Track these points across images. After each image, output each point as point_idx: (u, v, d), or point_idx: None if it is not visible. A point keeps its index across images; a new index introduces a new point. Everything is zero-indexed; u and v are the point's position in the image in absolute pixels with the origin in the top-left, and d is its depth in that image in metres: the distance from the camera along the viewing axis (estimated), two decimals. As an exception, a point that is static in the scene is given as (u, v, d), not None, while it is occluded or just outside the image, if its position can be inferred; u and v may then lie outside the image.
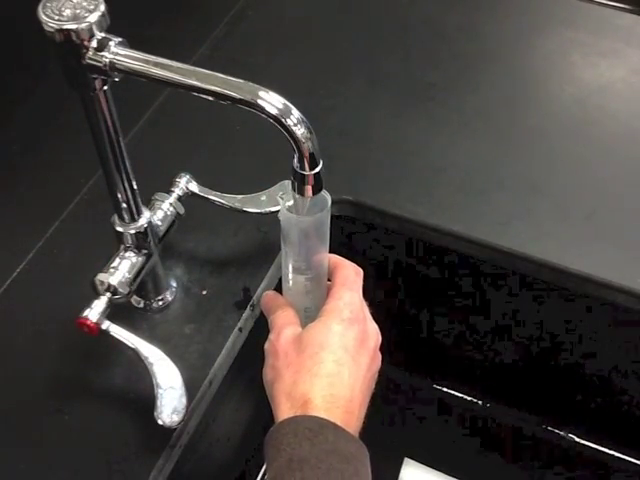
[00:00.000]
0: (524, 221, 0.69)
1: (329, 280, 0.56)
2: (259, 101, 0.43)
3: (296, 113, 0.43)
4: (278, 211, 0.65)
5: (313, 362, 0.49)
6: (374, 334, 0.54)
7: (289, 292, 0.56)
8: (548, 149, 0.75)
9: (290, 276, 0.55)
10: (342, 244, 0.76)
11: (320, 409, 0.47)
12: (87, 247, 0.67)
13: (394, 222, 0.71)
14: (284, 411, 0.48)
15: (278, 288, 0.67)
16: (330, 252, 0.54)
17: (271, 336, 0.53)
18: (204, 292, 0.65)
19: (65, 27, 0.43)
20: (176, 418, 0.54)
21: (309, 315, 0.55)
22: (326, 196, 0.49)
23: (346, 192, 0.72)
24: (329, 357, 0.49)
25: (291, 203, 0.49)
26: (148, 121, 0.78)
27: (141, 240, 0.58)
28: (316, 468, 0.44)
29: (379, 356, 0.54)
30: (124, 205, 0.56)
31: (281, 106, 0.43)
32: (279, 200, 0.65)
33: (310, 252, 0.52)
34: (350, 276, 0.55)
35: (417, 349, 0.88)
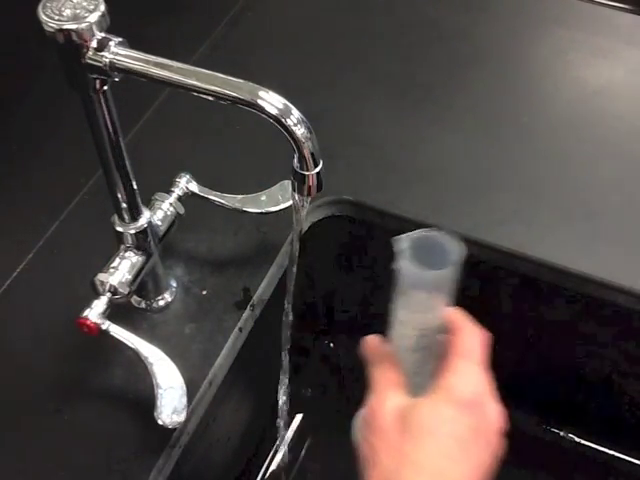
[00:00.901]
0: (524, 221, 0.69)
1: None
2: (259, 101, 0.43)
3: (296, 113, 0.43)
4: (278, 211, 0.66)
5: (416, 450, 0.42)
6: (494, 420, 0.45)
7: (395, 343, 0.49)
8: (548, 149, 0.75)
9: (399, 327, 0.48)
10: (342, 244, 0.77)
11: None
12: (87, 247, 0.67)
13: (394, 222, 0.71)
14: None
15: (278, 288, 0.67)
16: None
17: (372, 400, 0.46)
18: (204, 292, 0.65)
19: (65, 27, 0.43)
20: (176, 418, 0.54)
21: (416, 379, 0.47)
22: (456, 247, 0.43)
23: (346, 192, 0.72)
24: (435, 448, 0.42)
25: (407, 252, 0.43)
26: (148, 121, 0.78)
27: (141, 240, 0.58)
28: None
29: (501, 443, 0.46)
30: (124, 205, 0.56)
31: (281, 106, 0.43)
32: (279, 200, 0.65)
33: (434, 308, 0.46)
34: (474, 344, 0.46)
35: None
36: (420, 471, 0.41)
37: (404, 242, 0.43)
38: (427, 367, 0.48)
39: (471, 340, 0.46)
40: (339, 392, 0.89)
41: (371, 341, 0.49)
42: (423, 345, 0.47)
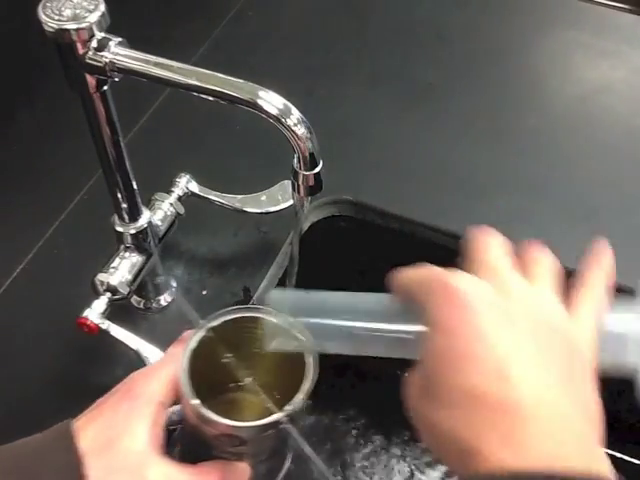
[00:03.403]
0: (524, 221, 0.69)
1: None
2: (259, 101, 0.43)
3: (296, 113, 0.43)
4: (278, 211, 0.66)
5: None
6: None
7: None
8: (549, 149, 0.75)
9: None
10: (342, 244, 0.76)
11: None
12: (87, 247, 0.67)
13: (394, 222, 0.71)
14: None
15: (278, 288, 0.67)
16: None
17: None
18: (204, 292, 0.65)
19: (65, 27, 0.43)
20: (176, 418, 0.54)
21: None
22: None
23: (346, 192, 0.72)
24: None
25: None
26: (148, 121, 0.78)
27: (141, 240, 0.58)
28: None
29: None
30: (124, 205, 0.56)
31: (281, 106, 0.43)
32: (280, 200, 0.65)
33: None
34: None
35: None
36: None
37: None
38: None
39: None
40: (339, 392, 0.89)
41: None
42: None
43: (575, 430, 0.34)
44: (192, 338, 0.44)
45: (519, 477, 0.31)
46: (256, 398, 0.48)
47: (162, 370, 0.43)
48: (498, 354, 0.34)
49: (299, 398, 0.42)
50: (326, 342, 0.45)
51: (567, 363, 0.36)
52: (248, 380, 0.48)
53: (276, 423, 0.41)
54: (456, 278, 0.38)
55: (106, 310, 0.55)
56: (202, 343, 0.44)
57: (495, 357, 0.34)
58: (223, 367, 0.46)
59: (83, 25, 0.43)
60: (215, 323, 0.45)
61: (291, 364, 0.43)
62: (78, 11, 0.43)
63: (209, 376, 0.44)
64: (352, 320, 0.45)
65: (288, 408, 0.41)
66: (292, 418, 0.42)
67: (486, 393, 0.33)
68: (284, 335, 0.44)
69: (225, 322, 0.45)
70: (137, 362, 0.56)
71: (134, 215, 0.57)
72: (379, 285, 0.79)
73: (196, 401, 0.41)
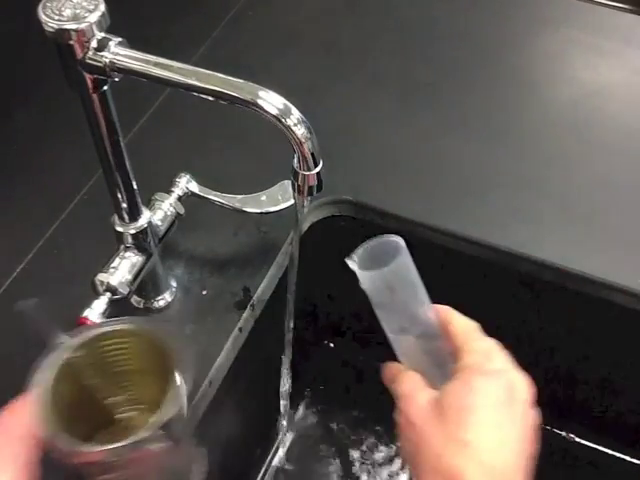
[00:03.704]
0: (524, 221, 0.69)
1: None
2: (259, 101, 0.43)
3: (296, 113, 0.43)
4: (278, 211, 0.66)
5: (458, 428, 0.42)
6: (522, 384, 0.46)
7: (404, 357, 0.50)
8: (548, 149, 0.75)
9: (397, 340, 0.49)
10: (342, 244, 0.76)
11: None
12: (87, 247, 0.67)
13: (394, 222, 0.71)
14: None
15: (278, 288, 0.67)
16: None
17: (400, 405, 0.46)
18: (204, 292, 0.65)
19: (65, 27, 0.43)
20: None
21: (436, 376, 0.48)
22: (397, 240, 0.45)
23: (346, 192, 0.72)
24: (480, 421, 0.42)
25: (355, 261, 0.45)
26: (148, 121, 0.78)
27: (141, 240, 0.58)
28: None
29: (534, 410, 0.46)
30: (124, 205, 0.56)
31: (281, 106, 0.43)
32: (279, 200, 0.65)
33: (407, 307, 0.47)
34: (470, 324, 0.48)
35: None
36: (465, 448, 0.41)
37: (354, 259, 0.46)
38: (440, 364, 0.48)
39: (466, 321, 0.48)
40: (339, 392, 0.89)
41: (386, 366, 0.51)
42: (427, 346, 0.48)
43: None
44: (49, 361, 0.40)
45: None
46: (132, 419, 0.44)
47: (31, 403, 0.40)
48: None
49: (160, 416, 0.38)
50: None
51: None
52: (119, 400, 0.44)
53: (138, 443, 0.37)
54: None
55: (106, 310, 0.55)
56: (63, 366, 0.40)
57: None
58: (90, 389, 0.43)
59: (83, 25, 0.43)
60: (76, 341, 0.41)
61: (161, 380, 0.40)
62: (78, 11, 0.43)
63: (76, 400, 0.41)
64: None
65: (150, 426, 0.37)
66: (169, 435, 0.38)
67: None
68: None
69: (88, 339, 0.41)
70: (137, 362, 0.56)
71: (134, 215, 0.57)
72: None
73: (50, 431, 0.37)
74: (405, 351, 0.49)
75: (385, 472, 0.84)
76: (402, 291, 0.46)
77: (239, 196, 0.66)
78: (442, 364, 0.48)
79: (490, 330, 0.81)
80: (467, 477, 0.41)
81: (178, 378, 0.40)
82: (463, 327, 0.48)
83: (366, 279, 0.45)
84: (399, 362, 0.50)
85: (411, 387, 0.47)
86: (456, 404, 0.43)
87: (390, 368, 0.50)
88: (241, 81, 0.44)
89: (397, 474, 0.84)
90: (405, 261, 0.45)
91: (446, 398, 0.44)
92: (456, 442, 0.42)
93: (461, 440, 0.42)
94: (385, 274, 0.45)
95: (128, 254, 0.58)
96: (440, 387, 0.46)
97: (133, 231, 0.57)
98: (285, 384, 0.71)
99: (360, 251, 0.47)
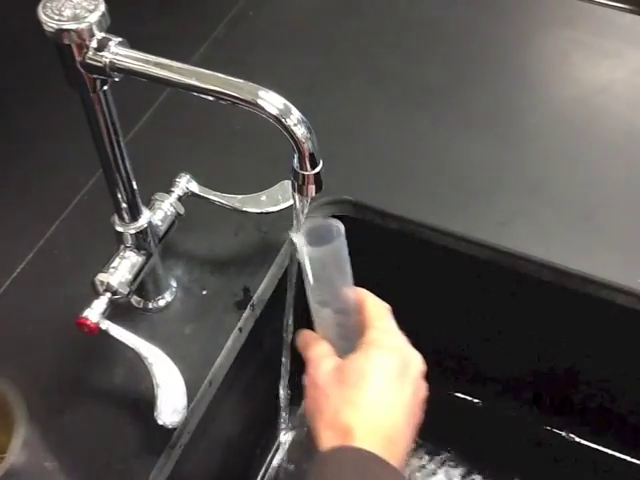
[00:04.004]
0: (524, 221, 0.69)
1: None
2: (259, 101, 0.43)
3: (296, 113, 0.43)
4: (278, 211, 0.66)
5: (354, 392, 0.49)
6: (416, 362, 0.53)
7: (319, 326, 0.56)
8: (548, 149, 0.75)
9: (318, 310, 0.54)
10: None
11: (363, 440, 0.46)
12: (87, 247, 0.67)
13: (394, 222, 0.71)
14: (326, 441, 0.48)
15: (278, 288, 0.67)
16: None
17: (309, 369, 0.53)
18: (204, 292, 0.65)
19: (65, 27, 0.43)
20: (176, 418, 0.54)
21: (343, 347, 0.54)
22: (339, 225, 0.48)
23: (346, 192, 0.72)
24: (371, 386, 0.49)
25: (301, 234, 0.49)
26: (148, 121, 0.78)
27: (141, 240, 0.58)
28: None
29: (423, 385, 0.53)
30: (124, 205, 0.56)
31: (281, 106, 0.43)
32: (279, 200, 0.65)
33: (333, 283, 0.52)
34: (382, 308, 0.54)
35: (416, 348, 0.88)
36: (357, 407, 0.48)
37: (299, 234, 0.50)
38: (349, 337, 0.54)
39: (379, 304, 0.55)
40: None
41: (301, 333, 0.57)
42: (342, 320, 0.54)
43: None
44: None
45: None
46: None
47: None
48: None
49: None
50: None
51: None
52: None
53: None
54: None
55: (106, 310, 0.55)
56: None
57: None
58: None
59: (83, 25, 0.43)
60: None
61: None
62: (78, 11, 0.43)
63: None
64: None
65: None
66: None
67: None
68: None
69: None
70: (137, 362, 0.56)
71: (134, 215, 0.57)
72: (379, 285, 0.80)
73: None
74: (321, 321, 0.55)
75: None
76: (333, 270, 0.51)
77: (239, 196, 0.66)
78: (350, 338, 0.54)
79: (490, 330, 0.81)
80: (357, 432, 0.46)
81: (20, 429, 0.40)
82: (374, 308, 0.54)
83: (305, 253, 0.50)
84: (314, 331, 0.56)
85: (320, 353, 0.53)
86: (355, 371, 0.50)
87: (304, 335, 0.56)
88: (241, 81, 0.44)
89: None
90: (342, 245, 0.50)
91: (348, 366, 0.51)
92: (350, 403, 0.48)
93: (355, 402, 0.48)
94: (323, 252, 0.50)
95: (128, 254, 0.58)
96: (345, 357, 0.52)
97: (133, 231, 0.57)
98: (285, 384, 0.71)
99: (306, 227, 0.51)
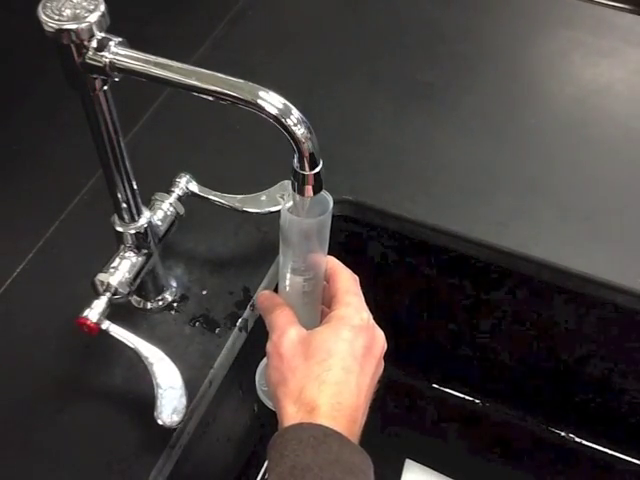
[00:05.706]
0: (524, 221, 0.69)
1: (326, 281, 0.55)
2: (259, 101, 0.43)
3: (296, 113, 0.43)
4: (278, 211, 0.66)
5: (321, 369, 0.49)
6: (381, 341, 0.53)
7: (285, 292, 0.56)
8: (548, 149, 0.75)
9: (288, 276, 0.54)
10: (342, 244, 0.76)
11: (326, 417, 0.47)
12: (87, 247, 0.67)
13: (394, 222, 0.71)
14: (290, 416, 0.48)
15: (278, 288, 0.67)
16: (328, 253, 0.54)
17: (273, 336, 0.52)
18: (204, 292, 0.65)
19: (65, 27, 0.43)
20: (176, 418, 0.54)
21: (305, 315, 0.55)
22: (328, 198, 0.49)
23: (346, 192, 0.72)
24: (338, 364, 0.49)
25: (291, 204, 0.49)
26: (148, 121, 0.78)
27: (141, 240, 0.58)
28: (318, 477, 0.44)
29: (382, 363, 0.54)
30: (124, 205, 0.56)
31: (281, 106, 0.43)
32: (279, 200, 0.65)
33: (310, 253, 0.52)
34: (352, 282, 0.54)
35: (416, 349, 0.88)
36: (324, 385, 0.48)
37: (287, 202, 0.50)
38: (316, 307, 0.55)
39: (349, 277, 0.54)
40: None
41: (263, 294, 0.56)
42: (310, 289, 0.54)
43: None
44: None
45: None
46: None
47: None
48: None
49: None
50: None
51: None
52: None
53: None
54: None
55: (106, 310, 0.55)
56: None
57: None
58: None
59: (83, 25, 0.43)
60: None
61: None
62: (78, 11, 0.43)
63: None
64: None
65: None
66: None
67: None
68: None
69: None
70: (137, 362, 0.56)
71: (134, 215, 0.57)
72: (378, 285, 0.80)
73: None
74: (290, 289, 0.55)
75: (382, 468, 0.84)
76: (315, 240, 0.51)
77: (239, 196, 0.66)
78: (315, 308, 0.55)
79: (490, 330, 0.81)
80: (321, 408, 0.47)
81: None
82: (346, 282, 0.54)
83: (291, 221, 0.50)
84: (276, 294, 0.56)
85: (286, 321, 0.52)
86: (322, 346, 0.50)
87: (268, 298, 0.55)
88: (241, 81, 0.44)
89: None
90: (327, 219, 0.50)
91: (315, 339, 0.50)
92: (318, 380, 0.48)
93: (322, 379, 0.48)
94: (308, 223, 0.49)
95: (128, 254, 0.58)
96: (309, 327, 0.52)
97: (133, 231, 0.57)
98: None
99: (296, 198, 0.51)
